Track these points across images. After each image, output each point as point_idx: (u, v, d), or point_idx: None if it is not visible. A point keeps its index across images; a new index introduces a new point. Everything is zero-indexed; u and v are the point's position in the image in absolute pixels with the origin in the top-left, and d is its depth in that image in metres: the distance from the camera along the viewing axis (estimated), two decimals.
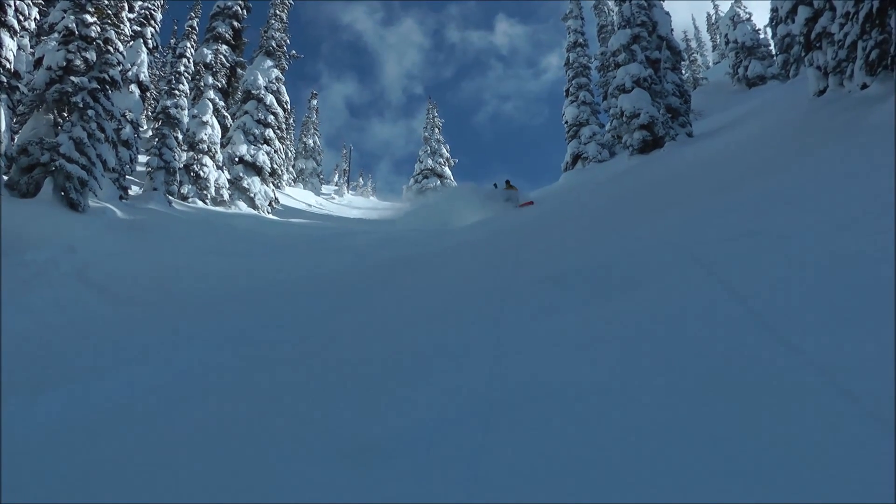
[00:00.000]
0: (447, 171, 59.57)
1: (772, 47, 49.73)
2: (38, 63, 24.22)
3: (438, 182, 58.26)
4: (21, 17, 21.96)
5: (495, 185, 34.20)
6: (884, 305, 3.56)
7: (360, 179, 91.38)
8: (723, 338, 3.95)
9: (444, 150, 60.73)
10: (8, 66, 18.90)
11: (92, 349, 10.43)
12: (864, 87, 16.00)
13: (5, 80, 20.46)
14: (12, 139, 22.82)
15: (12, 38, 20.45)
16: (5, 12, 16.52)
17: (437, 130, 61.49)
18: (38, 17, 25.74)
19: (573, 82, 47.64)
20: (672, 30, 36.89)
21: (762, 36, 52.89)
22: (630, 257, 7.58)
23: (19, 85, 22.14)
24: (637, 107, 33.70)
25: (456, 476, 3.06)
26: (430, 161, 59.48)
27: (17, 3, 21.30)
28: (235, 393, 6.69)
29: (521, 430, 3.45)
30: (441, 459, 3.32)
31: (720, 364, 3.54)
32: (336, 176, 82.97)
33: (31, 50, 25.07)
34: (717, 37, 75.29)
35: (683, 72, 49.38)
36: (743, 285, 4.77)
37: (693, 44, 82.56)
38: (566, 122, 47.19)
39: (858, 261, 4.44)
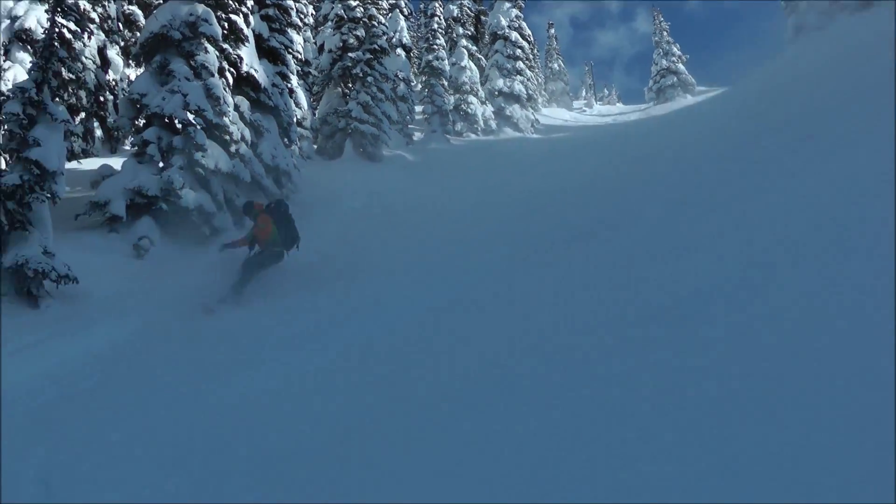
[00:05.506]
0: (681, 67, 56.11)
1: None
2: (320, 49, 25.73)
3: (675, 79, 55.21)
4: (301, 15, 23.20)
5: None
6: None
7: (605, 90, 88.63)
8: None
9: (674, 49, 57.23)
10: (300, 56, 20.07)
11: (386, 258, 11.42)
12: None
13: (300, 69, 21.81)
14: (314, 114, 24.48)
15: (298, 34, 21.66)
16: (290, 14, 17.64)
17: (665, 33, 58.07)
18: (314, 12, 27.24)
19: None
20: None
21: None
22: None
23: (310, 70, 23.69)
24: None
25: None
26: (664, 62, 56.35)
27: (297, 4, 22.56)
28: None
29: None
30: None
31: None
32: (583, 91, 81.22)
33: (313, 39, 26.66)
34: None
35: None
36: None
37: None
38: None
39: None
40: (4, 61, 14.67)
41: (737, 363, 3.14)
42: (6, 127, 9.48)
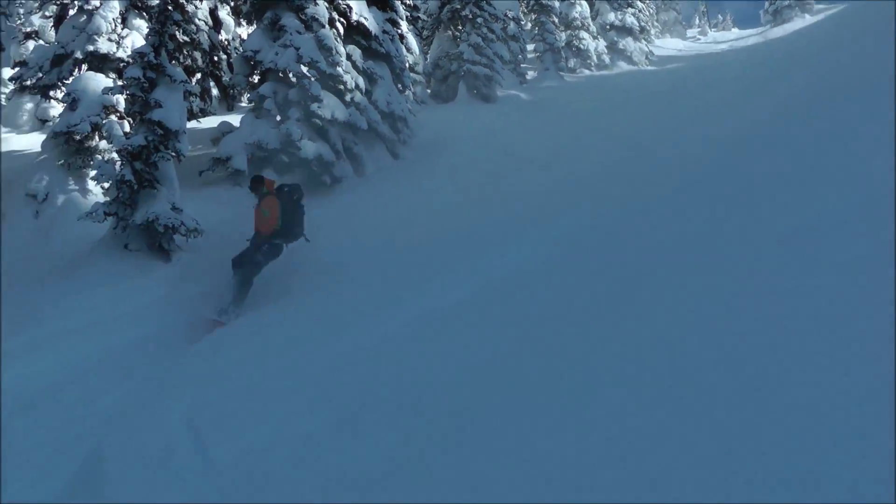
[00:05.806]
0: None
1: None
2: None
3: None
4: None
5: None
6: None
7: (719, 16, 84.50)
8: None
9: None
10: (408, 2, 19.74)
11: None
12: None
13: (409, 14, 21.48)
14: (425, 59, 24.21)
15: None
16: None
17: None
18: None
19: None
20: None
21: None
22: None
23: (419, 15, 23.36)
24: None
25: None
26: None
27: None
28: None
29: None
30: None
31: None
32: (696, 19, 77.86)
33: None
34: None
35: None
36: None
37: None
38: None
39: None
40: (123, 29, 14.89)
41: None
42: (129, 91, 9.62)
